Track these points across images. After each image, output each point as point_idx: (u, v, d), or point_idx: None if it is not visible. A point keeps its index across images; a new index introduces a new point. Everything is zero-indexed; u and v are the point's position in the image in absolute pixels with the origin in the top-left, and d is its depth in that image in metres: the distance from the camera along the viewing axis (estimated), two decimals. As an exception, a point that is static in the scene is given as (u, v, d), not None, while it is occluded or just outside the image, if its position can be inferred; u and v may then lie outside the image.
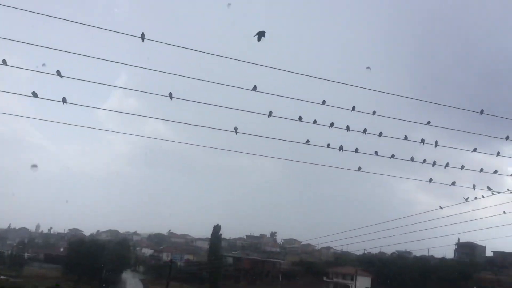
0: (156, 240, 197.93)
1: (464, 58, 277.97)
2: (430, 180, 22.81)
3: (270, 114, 18.21)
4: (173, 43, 15.60)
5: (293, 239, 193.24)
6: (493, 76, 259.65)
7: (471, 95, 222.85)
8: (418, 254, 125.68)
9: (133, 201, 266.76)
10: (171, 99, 17.23)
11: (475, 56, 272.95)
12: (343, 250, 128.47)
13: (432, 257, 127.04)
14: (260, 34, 15.47)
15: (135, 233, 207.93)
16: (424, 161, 20.25)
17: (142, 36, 15.37)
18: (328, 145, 19.27)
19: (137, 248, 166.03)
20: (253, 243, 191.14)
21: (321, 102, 18.25)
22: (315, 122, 18.67)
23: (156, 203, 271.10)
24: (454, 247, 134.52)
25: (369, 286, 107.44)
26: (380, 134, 19.10)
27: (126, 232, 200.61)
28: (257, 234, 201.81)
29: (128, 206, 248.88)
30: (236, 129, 18.60)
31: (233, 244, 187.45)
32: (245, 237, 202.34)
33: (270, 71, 16.84)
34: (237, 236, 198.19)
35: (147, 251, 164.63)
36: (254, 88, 17.27)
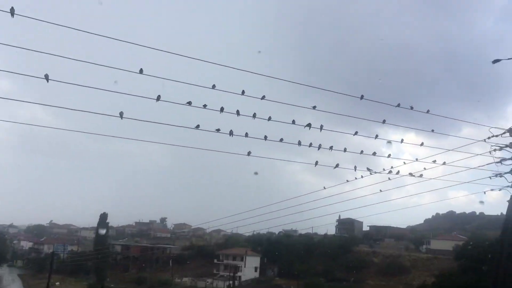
0: (36, 232, 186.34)
1: (344, 46, 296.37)
2: (316, 163, 23.64)
3: (158, 98, 17.44)
4: (49, 20, 14.13)
5: (184, 224, 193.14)
6: (371, 63, 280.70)
7: (352, 81, 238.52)
8: (303, 232, 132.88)
9: (8, 191, 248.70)
10: (48, 81, 15.63)
11: (354, 44, 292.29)
12: (233, 232, 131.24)
13: (316, 234, 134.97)
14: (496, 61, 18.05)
15: (11, 226, 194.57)
16: (310, 144, 20.86)
17: (12, 11, 13.74)
18: (218, 130, 19.09)
19: (14, 242, 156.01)
20: (143, 230, 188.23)
21: (211, 87, 17.89)
22: (204, 106, 18.30)
23: (35, 193, 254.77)
24: (335, 223, 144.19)
25: (258, 265, 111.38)
26: (269, 119, 19.36)
27: (0, 225, 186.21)
28: (146, 220, 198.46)
29: (2, 197, 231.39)
30: (121, 114, 17.51)
31: (121, 232, 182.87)
32: (134, 224, 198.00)
33: (159, 54, 16.14)
34: (125, 223, 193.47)
35: (26, 244, 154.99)
36: (141, 71, 16.40)
